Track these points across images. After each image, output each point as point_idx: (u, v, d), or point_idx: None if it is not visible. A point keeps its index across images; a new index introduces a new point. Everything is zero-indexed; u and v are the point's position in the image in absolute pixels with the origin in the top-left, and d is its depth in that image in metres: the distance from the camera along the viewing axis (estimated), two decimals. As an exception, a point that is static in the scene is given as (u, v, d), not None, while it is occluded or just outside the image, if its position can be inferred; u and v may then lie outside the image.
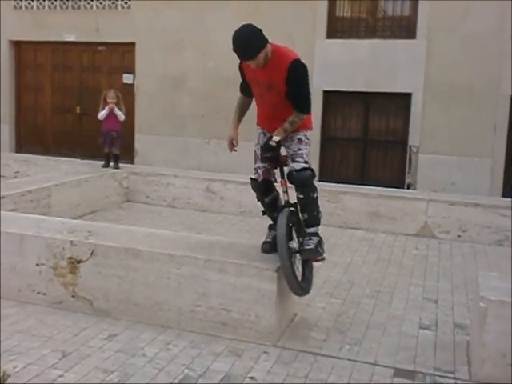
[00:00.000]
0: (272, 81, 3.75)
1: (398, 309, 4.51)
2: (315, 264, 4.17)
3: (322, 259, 3.92)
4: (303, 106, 3.84)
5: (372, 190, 7.35)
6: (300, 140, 3.93)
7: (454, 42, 8.21)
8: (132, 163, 9.71)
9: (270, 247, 4.01)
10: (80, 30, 10.09)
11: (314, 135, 6.03)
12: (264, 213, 4.24)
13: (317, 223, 3.92)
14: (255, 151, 4.09)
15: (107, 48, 10.22)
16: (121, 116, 7.91)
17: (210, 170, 8.94)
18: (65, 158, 9.36)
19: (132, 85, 10.03)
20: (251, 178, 4.14)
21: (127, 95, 10.04)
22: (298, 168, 3.83)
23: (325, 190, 6.99)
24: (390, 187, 7.81)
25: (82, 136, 10.43)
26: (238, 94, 4.16)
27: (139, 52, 9.85)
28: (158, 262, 3.94)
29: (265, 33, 3.70)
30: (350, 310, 4.45)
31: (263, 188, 4.07)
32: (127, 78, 10.12)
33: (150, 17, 9.64)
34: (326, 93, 8.87)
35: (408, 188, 8.57)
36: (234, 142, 4.10)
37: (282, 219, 3.75)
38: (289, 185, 3.94)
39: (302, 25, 8.76)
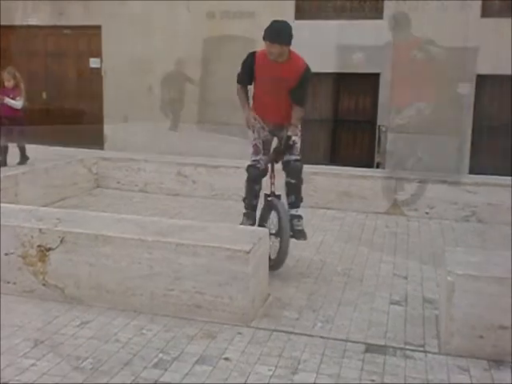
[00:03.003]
0: (288, 77, 4.42)
1: (369, 285, 4.59)
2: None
3: (306, 239, 4.74)
4: (304, 101, 4.66)
5: (343, 170, 7.40)
6: (296, 135, 4.64)
7: (420, 21, 8.26)
8: (102, 149, 9.58)
9: None
10: (44, 13, 9.84)
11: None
12: (244, 199, 4.81)
13: (299, 205, 4.72)
14: (256, 144, 4.65)
15: (73, 32, 10.00)
16: (15, 105, 6.83)
17: (181, 154, 8.88)
18: (33, 145, 9.18)
19: (99, 69, 9.86)
20: (251, 166, 4.67)
21: (95, 79, 9.89)
22: (294, 158, 4.60)
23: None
24: (359, 167, 7.89)
25: (50, 122, 10.22)
26: (237, 85, 4.67)
27: (106, 35, 9.67)
28: (129, 247, 3.92)
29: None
30: (323, 288, 4.51)
31: (261, 177, 4.71)
32: (94, 62, 9.94)
33: (115, -1, 9.46)
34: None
35: (377, 167, 8.66)
36: (256, 116, 4.62)
37: (284, 206, 4.59)
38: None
39: (270, 5, 8.69)
